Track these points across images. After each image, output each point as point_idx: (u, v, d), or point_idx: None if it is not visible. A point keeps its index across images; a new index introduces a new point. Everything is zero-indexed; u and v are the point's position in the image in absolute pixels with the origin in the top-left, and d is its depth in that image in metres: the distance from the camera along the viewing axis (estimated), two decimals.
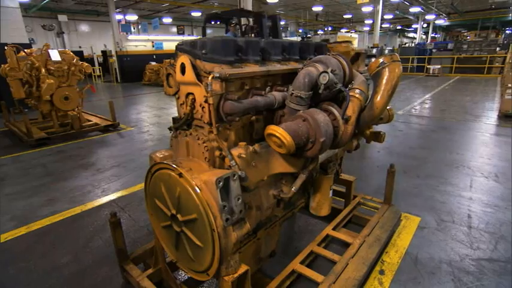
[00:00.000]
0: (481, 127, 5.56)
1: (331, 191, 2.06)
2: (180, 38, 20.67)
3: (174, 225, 1.44)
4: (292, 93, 1.52)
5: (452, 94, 9.44)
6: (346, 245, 2.05)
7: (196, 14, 19.34)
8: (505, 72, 8.38)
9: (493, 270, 2.02)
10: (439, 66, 14.98)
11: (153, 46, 17.12)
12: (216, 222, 1.23)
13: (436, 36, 28.75)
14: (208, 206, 1.23)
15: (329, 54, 1.73)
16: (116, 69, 16.12)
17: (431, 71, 15.03)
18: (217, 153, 1.42)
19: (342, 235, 2.18)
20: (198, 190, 1.25)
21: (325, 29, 28.54)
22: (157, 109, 8.34)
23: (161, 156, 1.60)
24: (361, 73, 1.89)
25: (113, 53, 16.23)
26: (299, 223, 2.57)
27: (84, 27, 20.24)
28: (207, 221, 1.25)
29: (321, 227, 2.32)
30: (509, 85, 6.21)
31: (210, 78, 1.28)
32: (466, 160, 3.94)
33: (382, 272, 1.98)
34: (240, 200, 1.31)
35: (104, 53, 20.01)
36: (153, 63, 15.15)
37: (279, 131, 1.39)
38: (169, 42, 17.92)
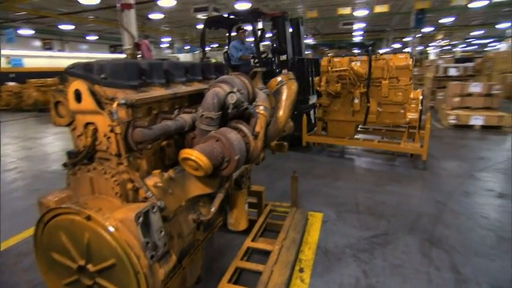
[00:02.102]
0: None
1: (246, 205, 2.14)
2: (49, 53, 17.78)
3: (83, 278, 1.23)
4: (203, 115, 1.52)
5: None
6: (267, 252, 2.15)
7: (65, 26, 17.01)
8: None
9: (380, 243, 2.47)
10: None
11: (8, 63, 14.16)
12: (140, 263, 1.12)
13: (308, 52, 33.62)
14: (128, 247, 1.10)
15: (230, 74, 1.82)
16: None
17: None
18: (129, 185, 1.29)
19: (262, 244, 2.28)
20: (113, 231, 1.11)
21: (211, 45, 29.55)
22: (25, 140, 6.90)
23: (56, 199, 1.35)
24: (260, 90, 2.06)
25: None
26: (217, 241, 2.56)
27: None
28: (128, 264, 1.12)
29: (240, 240, 2.36)
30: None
31: (114, 105, 1.17)
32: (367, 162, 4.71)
33: (301, 270, 2.16)
34: (162, 233, 1.23)
35: None
36: (12, 83, 12.51)
37: (194, 154, 1.37)
38: (33, 58, 15.18)
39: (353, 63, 4.38)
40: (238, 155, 1.52)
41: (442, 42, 26.01)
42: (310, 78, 5.20)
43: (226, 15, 5.33)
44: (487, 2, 12.99)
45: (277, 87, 1.81)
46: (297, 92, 1.86)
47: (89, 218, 1.15)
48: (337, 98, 4.67)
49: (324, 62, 4.66)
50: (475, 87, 6.83)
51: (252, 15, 4.81)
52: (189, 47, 25.69)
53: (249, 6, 12.79)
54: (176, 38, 23.29)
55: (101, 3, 11.44)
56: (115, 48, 21.86)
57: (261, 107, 1.78)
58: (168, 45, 26.12)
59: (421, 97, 4.12)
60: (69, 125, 1.35)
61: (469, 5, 13.53)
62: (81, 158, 1.32)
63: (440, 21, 18.92)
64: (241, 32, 5.54)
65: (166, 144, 1.55)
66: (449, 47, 30.51)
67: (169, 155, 1.58)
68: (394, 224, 2.77)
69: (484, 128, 6.40)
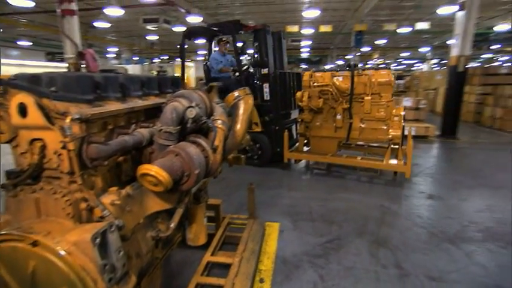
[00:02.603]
0: None
1: (205, 219, 2.11)
2: None
3: None
4: (161, 129, 1.50)
5: None
6: (228, 266, 2.14)
7: None
8: None
9: (333, 248, 2.61)
10: None
11: None
12: (97, 287, 1.04)
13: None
14: (83, 271, 1.03)
15: (188, 88, 1.83)
16: None
17: None
18: (83, 205, 1.21)
19: (222, 258, 2.26)
20: (65, 255, 1.03)
21: (161, 57, 28.85)
22: None
23: None
24: (217, 104, 2.09)
25: None
26: (175, 258, 2.47)
27: None
28: None
29: (199, 255, 2.32)
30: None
31: (68, 120, 1.10)
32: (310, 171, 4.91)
33: (262, 281, 2.19)
34: (121, 253, 1.17)
35: None
36: None
37: (154, 169, 1.34)
38: None
39: (335, 78, 4.31)
40: (198, 169, 1.52)
41: (378, 61, 28.84)
42: (293, 93, 5.10)
43: (206, 26, 5.30)
44: (411, 29, 14.91)
45: (235, 102, 1.86)
46: (253, 106, 1.93)
47: (35, 243, 1.05)
48: (319, 114, 4.57)
49: (305, 76, 4.54)
50: (407, 102, 7.67)
51: (232, 27, 4.71)
52: (137, 58, 24.73)
53: (201, 20, 12.84)
54: (124, 48, 22.26)
55: (36, 7, 10.52)
56: (53, 55, 20.04)
57: (219, 121, 1.81)
58: (114, 55, 24.81)
59: (403, 113, 4.11)
60: (9, 141, 1.23)
61: (397, 30, 15.41)
62: (25, 178, 1.20)
63: (375, 42, 21.06)
64: (222, 43, 5.34)
65: (123, 160, 1.49)
66: (384, 65, 33.88)
67: (126, 171, 1.51)
68: (345, 229, 2.95)
69: (414, 137, 7.19)
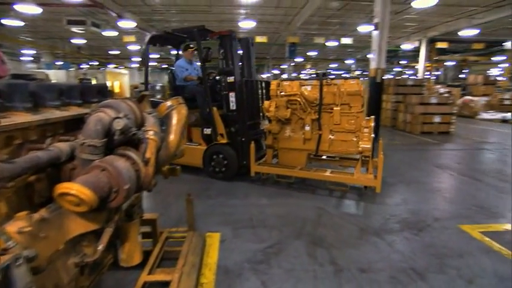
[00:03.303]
0: None
1: (139, 236, 1.97)
2: None
3: None
4: (84, 143, 1.36)
5: None
6: (167, 283, 2.01)
7: None
8: None
9: (274, 253, 2.66)
10: None
11: None
12: None
13: None
14: None
15: (115, 98, 1.70)
16: None
17: None
18: None
19: (160, 275, 2.12)
20: None
21: (90, 63, 26.52)
22: None
23: None
24: (148, 114, 1.98)
25: None
26: (107, 283, 2.24)
27: None
28: None
29: (135, 275, 2.13)
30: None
31: None
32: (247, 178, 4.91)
33: None
34: None
35: None
36: None
37: (75, 188, 1.20)
38: None
39: (303, 87, 4.05)
40: (128, 183, 1.41)
41: (310, 71, 30.90)
42: (261, 102, 4.81)
43: (170, 32, 4.89)
44: (337, 43, 16.43)
45: (167, 112, 1.78)
46: (187, 117, 1.87)
47: None
48: (288, 125, 4.29)
49: (273, 85, 4.22)
50: None
51: (197, 33, 4.43)
52: (62, 63, 22.29)
53: (134, 25, 12.19)
54: (44, 52, 19.88)
55: None
56: None
57: (151, 132, 1.71)
58: (32, 58, 21.99)
59: (373, 124, 3.86)
60: None
61: (326, 44, 16.81)
62: None
63: (308, 53, 22.57)
64: (189, 50, 5.06)
65: (35, 179, 1.30)
66: (315, 75, 36.36)
67: (40, 191, 1.33)
68: (285, 233, 3.04)
69: None
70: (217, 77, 4.87)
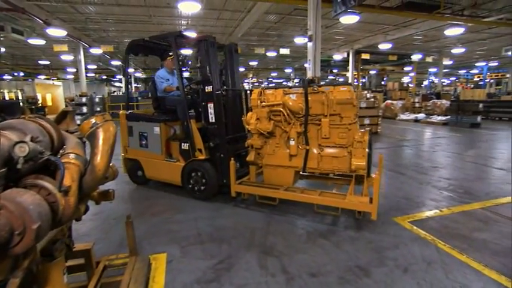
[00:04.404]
0: None
1: (65, 276, 1.62)
2: None
3: None
4: None
5: None
6: None
7: None
8: None
9: (225, 268, 2.47)
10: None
11: None
12: None
13: (139, 86, 32.09)
14: None
15: (24, 117, 1.37)
16: None
17: None
18: None
19: None
20: None
21: (15, 74, 23.21)
22: None
23: None
24: (72, 133, 1.66)
25: None
26: None
27: None
28: None
29: None
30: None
31: None
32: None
33: None
34: None
35: None
36: None
37: None
38: None
39: (287, 96, 3.41)
40: (38, 221, 1.11)
41: (253, 79, 31.45)
42: (246, 114, 4.10)
43: (147, 40, 4.30)
44: (276, 54, 16.97)
45: (92, 131, 1.50)
46: (115, 135, 1.59)
47: None
48: (271, 138, 3.65)
49: (254, 94, 3.60)
50: None
51: (173, 38, 3.95)
52: None
53: (65, 34, 10.96)
54: None
55: None
56: None
57: (72, 155, 1.41)
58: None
59: (367, 137, 3.22)
60: None
61: (267, 54, 17.23)
62: None
63: (250, 63, 22.90)
64: (168, 59, 4.53)
65: None
66: (257, 84, 37.10)
67: None
68: (234, 245, 2.86)
69: None
70: (193, 87, 4.35)
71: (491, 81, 27.31)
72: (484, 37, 15.51)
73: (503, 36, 14.99)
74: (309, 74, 8.18)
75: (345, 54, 18.43)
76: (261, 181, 3.93)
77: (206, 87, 3.80)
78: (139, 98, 18.31)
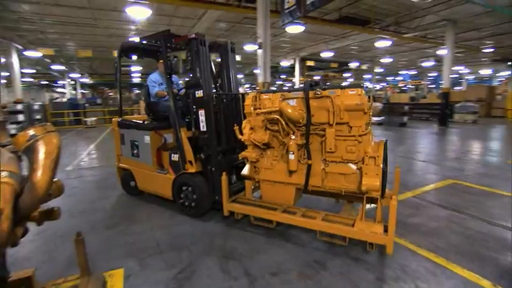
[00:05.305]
0: None
1: None
2: None
3: None
4: None
5: (112, 141, 9.89)
6: None
7: None
8: None
9: (187, 277, 2.33)
10: (95, 118, 15.43)
11: None
12: None
13: (85, 92, 29.33)
14: None
15: None
16: None
17: (88, 123, 15.16)
18: None
19: None
20: None
21: None
22: None
23: None
24: (3, 146, 1.41)
25: None
26: None
27: None
28: None
29: None
30: None
31: None
32: (144, 196, 4.29)
33: None
34: None
35: None
36: None
37: None
38: None
39: (285, 101, 2.79)
40: None
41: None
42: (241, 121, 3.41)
43: (138, 41, 3.78)
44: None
45: (29, 144, 1.28)
46: (60, 147, 1.39)
47: None
48: (269, 150, 3.09)
49: (248, 100, 3.03)
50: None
51: (161, 37, 3.46)
52: None
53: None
54: None
55: None
56: None
57: (4, 173, 1.20)
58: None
59: (382, 151, 2.56)
60: None
61: (218, 60, 17.04)
62: None
63: None
64: (160, 62, 3.99)
65: None
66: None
67: None
68: (195, 252, 2.74)
69: None
70: (185, 91, 3.85)
71: (412, 86, 30.95)
72: (405, 50, 17.49)
73: (419, 50, 17.20)
74: (260, 79, 8.31)
75: (292, 61, 19.22)
76: (258, 197, 3.39)
77: (197, 91, 3.27)
78: (86, 105, 16.75)
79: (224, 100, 3.51)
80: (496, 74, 26.55)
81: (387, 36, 12.29)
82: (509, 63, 18.19)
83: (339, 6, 9.82)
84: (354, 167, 2.67)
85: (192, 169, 3.37)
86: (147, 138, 3.78)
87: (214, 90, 3.79)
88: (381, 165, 2.51)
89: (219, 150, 3.33)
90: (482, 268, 2.38)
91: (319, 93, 2.64)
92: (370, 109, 2.53)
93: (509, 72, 19.22)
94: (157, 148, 3.84)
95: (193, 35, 3.25)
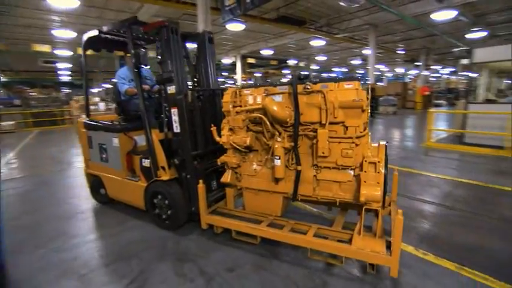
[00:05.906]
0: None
1: None
2: None
3: None
4: None
5: (37, 148, 8.68)
6: None
7: None
8: None
9: (139, 287, 2.18)
10: (13, 122, 13.16)
11: None
12: None
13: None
14: None
15: None
16: None
17: (4, 128, 12.88)
18: None
19: None
20: None
21: None
22: None
23: None
24: None
25: None
26: None
27: None
28: None
29: None
30: None
31: None
32: (79, 205, 3.84)
33: None
34: None
35: None
36: None
37: None
38: None
39: (269, 97, 2.34)
40: None
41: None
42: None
43: (105, 32, 3.16)
44: None
45: None
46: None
47: None
48: (252, 154, 2.67)
49: (227, 96, 2.59)
50: None
51: (127, 26, 2.89)
52: None
53: None
54: None
55: None
56: None
57: None
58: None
59: (383, 155, 2.21)
60: None
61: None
62: None
63: None
64: (129, 55, 3.38)
65: None
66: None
67: None
68: (146, 259, 2.56)
69: None
70: (154, 88, 3.49)
71: None
72: (337, 49, 19.01)
73: (348, 49, 18.91)
74: None
75: (233, 59, 19.26)
76: (241, 205, 2.97)
77: (168, 87, 2.79)
78: (0, 106, 14.17)
79: (201, 97, 3.01)
80: (408, 72, 30.79)
81: (321, 36, 13.21)
82: (416, 63, 21.31)
83: (277, 6, 10.15)
84: (350, 173, 2.29)
85: (165, 176, 2.90)
86: (116, 141, 3.30)
87: (191, 86, 3.35)
88: (383, 172, 2.15)
89: (195, 154, 2.85)
90: (406, 237, 2.74)
91: (309, 87, 2.22)
92: (368, 106, 2.17)
93: (417, 71, 22.53)
94: (128, 152, 3.36)
95: (165, 22, 2.74)
